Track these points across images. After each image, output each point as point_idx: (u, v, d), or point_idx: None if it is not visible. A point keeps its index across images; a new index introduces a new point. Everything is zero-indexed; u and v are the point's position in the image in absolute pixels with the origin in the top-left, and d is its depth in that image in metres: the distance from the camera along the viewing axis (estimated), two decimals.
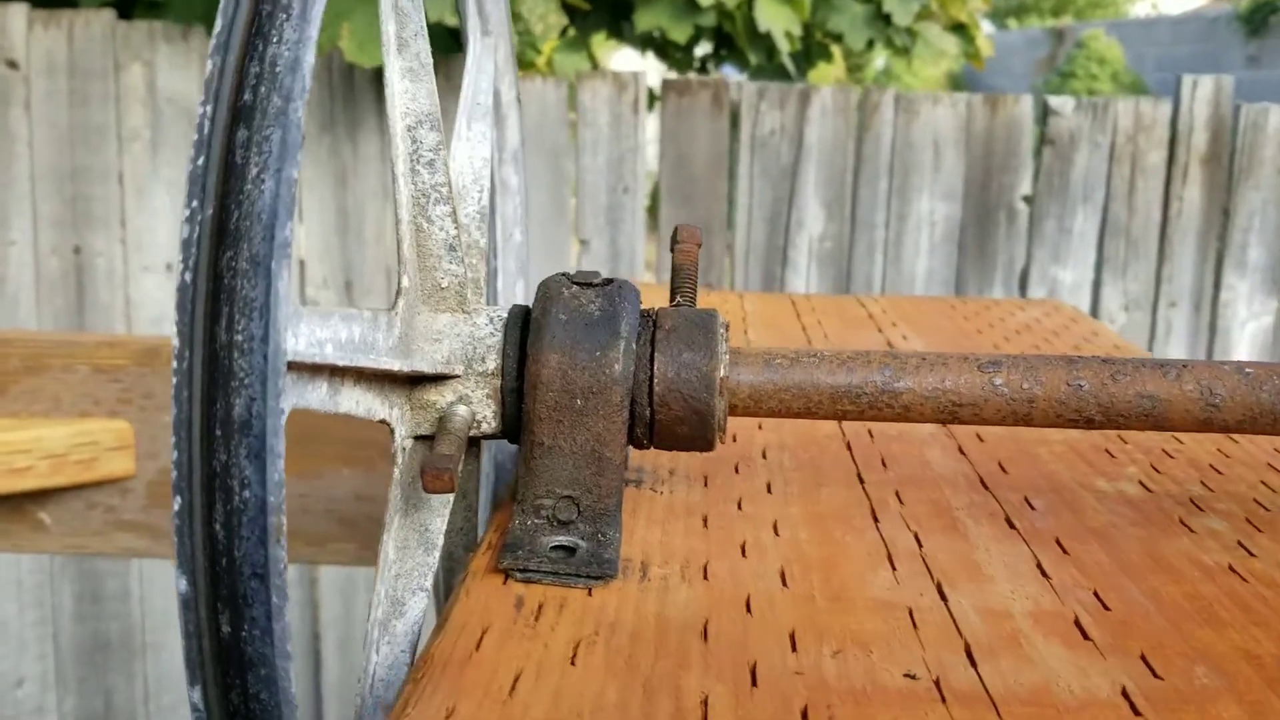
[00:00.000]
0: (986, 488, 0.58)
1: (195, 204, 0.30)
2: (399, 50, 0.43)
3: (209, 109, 0.30)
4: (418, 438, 0.47)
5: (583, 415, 0.46)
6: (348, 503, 1.11)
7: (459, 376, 0.47)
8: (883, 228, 2.27)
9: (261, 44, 0.32)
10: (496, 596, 0.43)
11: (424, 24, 0.43)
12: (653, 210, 2.25)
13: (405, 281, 0.45)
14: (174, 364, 0.29)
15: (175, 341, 0.29)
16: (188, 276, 0.30)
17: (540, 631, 0.40)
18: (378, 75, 2.10)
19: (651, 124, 2.38)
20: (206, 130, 0.30)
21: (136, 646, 2.11)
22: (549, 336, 0.46)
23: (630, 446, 0.49)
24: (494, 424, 0.48)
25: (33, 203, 2.02)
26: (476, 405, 0.47)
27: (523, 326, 0.48)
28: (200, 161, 0.30)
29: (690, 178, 2.21)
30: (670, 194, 2.21)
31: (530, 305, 0.50)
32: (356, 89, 2.11)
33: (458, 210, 0.47)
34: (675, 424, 0.47)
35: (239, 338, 0.30)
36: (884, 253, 2.28)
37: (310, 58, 0.31)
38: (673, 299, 0.51)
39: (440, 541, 0.46)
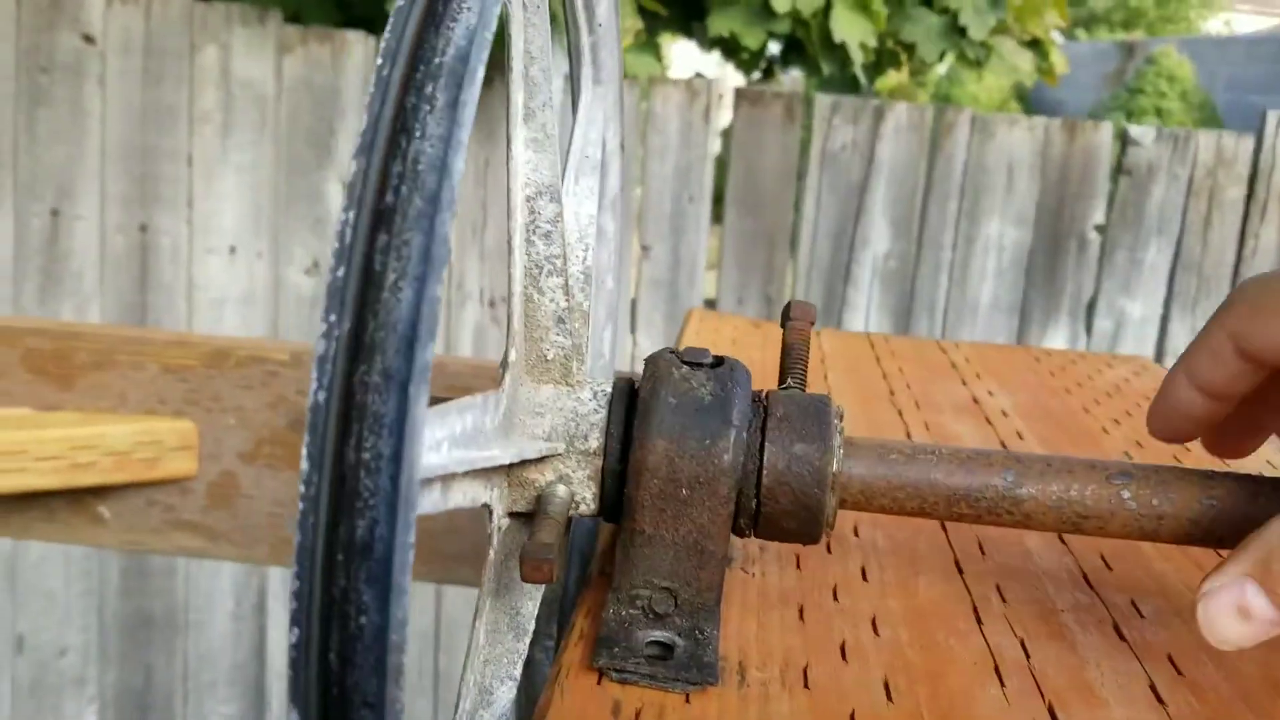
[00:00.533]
0: (1091, 586, 0.55)
1: (333, 318, 0.28)
2: (525, 120, 0.41)
3: (351, 215, 0.28)
4: (513, 514, 0.45)
5: (687, 505, 0.44)
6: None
7: (560, 455, 0.45)
8: (949, 249, 2.24)
9: (405, 140, 0.30)
10: (592, 700, 0.41)
11: (553, 95, 0.41)
12: (716, 213, 2.22)
13: (513, 355, 0.44)
14: (301, 488, 0.28)
15: (304, 465, 0.28)
16: (320, 396, 0.28)
17: None
18: None
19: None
20: (348, 238, 0.28)
21: (179, 624, 2.12)
22: (657, 421, 0.44)
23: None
24: (592, 505, 0.46)
25: (101, 179, 2.03)
26: (576, 485, 0.45)
27: (628, 405, 0.46)
28: (340, 272, 0.28)
29: (757, 187, 2.18)
30: (736, 203, 2.18)
31: (633, 378, 0.48)
32: None
33: (570, 280, 0.45)
34: (782, 518, 0.45)
35: (366, 455, 0.28)
36: (949, 274, 2.25)
37: (459, 163, 0.29)
38: (782, 380, 0.48)
39: (531, 627, 0.44)
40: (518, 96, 0.40)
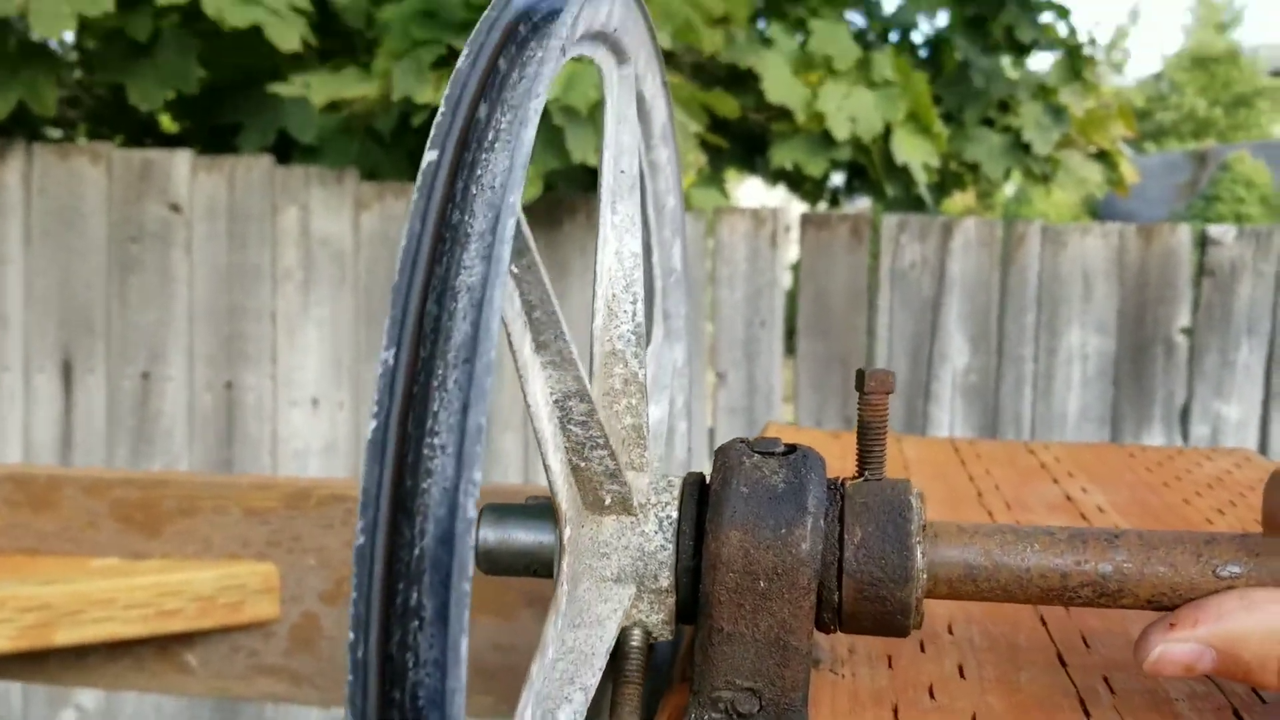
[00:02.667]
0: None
1: None
2: (536, 350, 0.39)
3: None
4: None
5: (766, 599, 0.42)
6: (486, 653, 1.07)
7: (632, 599, 0.44)
8: (1031, 361, 2.20)
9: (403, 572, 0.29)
10: None
11: (563, 326, 0.39)
12: (789, 345, 2.22)
13: (568, 532, 0.42)
14: None
15: None
16: None
17: None
18: None
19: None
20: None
21: None
22: (729, 511, 0.42)
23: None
24: (668, 636, 0.45)
25: (189, 340, 2.10)
26: (653, 626, 0.44)
27: (699, 499, 0.45)
28: None
29: (828, 311, 2.18)
30: (808, 328, 2.18)
31: (703, 474, 0.47)
32: None
33: (614, 446, 0.43)
34: (867, 608, 0.43)
35: None
36: (1033, 386, 2.20)
37: (467, 557, 0.28)
38: (860, 470, 0.47)
39: None
40: (524, 340, 0.39)
